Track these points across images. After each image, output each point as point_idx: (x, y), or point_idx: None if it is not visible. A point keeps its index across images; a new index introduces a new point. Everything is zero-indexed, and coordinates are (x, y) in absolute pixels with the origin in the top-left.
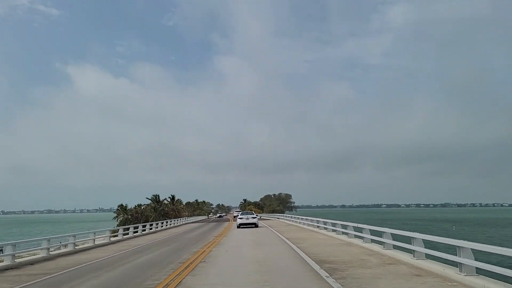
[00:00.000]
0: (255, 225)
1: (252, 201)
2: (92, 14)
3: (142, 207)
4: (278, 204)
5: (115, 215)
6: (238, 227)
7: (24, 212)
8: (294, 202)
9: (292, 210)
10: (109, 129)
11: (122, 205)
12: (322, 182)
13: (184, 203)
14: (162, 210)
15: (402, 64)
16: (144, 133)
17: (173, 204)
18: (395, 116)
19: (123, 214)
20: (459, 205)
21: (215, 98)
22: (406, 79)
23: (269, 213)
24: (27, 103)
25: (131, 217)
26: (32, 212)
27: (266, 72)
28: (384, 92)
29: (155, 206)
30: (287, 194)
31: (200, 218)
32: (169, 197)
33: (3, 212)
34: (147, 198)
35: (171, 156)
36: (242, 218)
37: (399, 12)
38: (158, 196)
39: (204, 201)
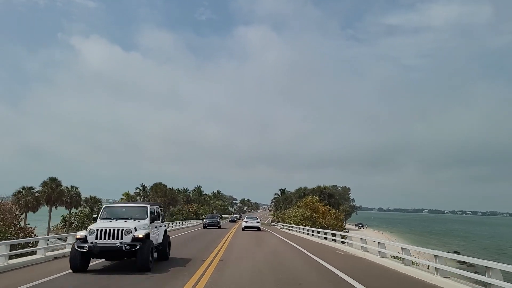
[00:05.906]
0: (258, 229)
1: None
2: None
3: None
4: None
5: None
6: (243, 229)
7: None
8: (354, 200)
9: (352, 213)
10: (121, 109)
11: None
12: (358, 181)
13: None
14: None
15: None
16: (161, 117)
17: None
18: (449, 109)
19: None
20: (511, 214)
21: (238, 75)
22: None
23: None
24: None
25: None
26: None
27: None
28: (439, 79)
29: None
30: (344, 187)
31: None
32: None
33: None
34: None
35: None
36: (247, 221)
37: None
38: None
39: (218, 192)
